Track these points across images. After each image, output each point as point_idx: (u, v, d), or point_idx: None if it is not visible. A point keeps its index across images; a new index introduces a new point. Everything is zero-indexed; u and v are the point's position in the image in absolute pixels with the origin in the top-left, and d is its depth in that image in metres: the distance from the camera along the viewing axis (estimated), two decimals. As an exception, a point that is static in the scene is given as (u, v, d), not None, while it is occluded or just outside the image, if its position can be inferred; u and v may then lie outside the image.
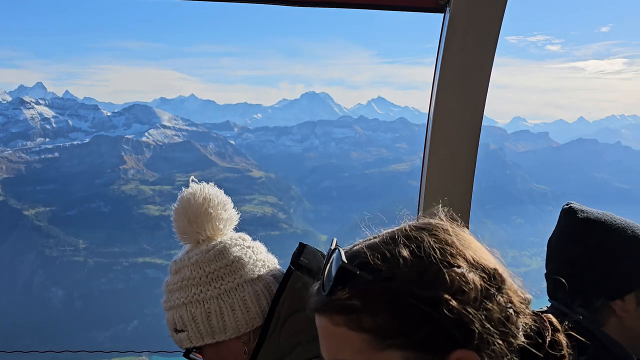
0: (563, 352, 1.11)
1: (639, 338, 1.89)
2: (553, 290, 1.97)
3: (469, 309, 1.01)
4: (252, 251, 1.95)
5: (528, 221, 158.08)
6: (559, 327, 1.14)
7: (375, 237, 1.14)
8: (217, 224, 1.94)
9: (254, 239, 2.03)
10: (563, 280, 1.80)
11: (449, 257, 1.05)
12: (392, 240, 1.08)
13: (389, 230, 1.13)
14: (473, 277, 1.04)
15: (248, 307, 1.85)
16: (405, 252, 1.05)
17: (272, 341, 1.81)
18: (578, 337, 1.15)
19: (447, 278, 1.02)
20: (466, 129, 2.58)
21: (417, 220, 1.15)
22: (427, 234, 1.09)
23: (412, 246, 1.06)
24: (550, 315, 1.15)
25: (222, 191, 1.99)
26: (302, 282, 1.79)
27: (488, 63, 2.54)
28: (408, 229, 1.11)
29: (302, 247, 1.88)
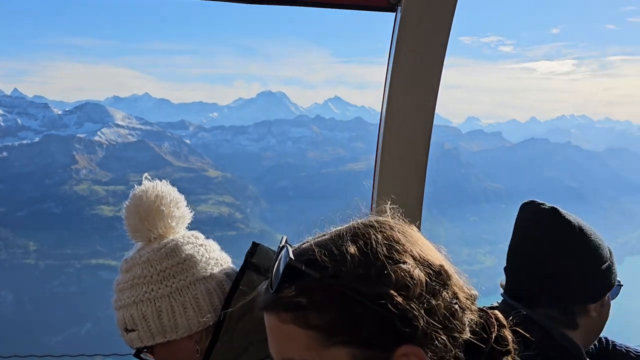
0: (508, 348, 1.12)
1: (597, 332, 1.98)
2: (511, 286, 1.99)
3: (414, 305, 1.02)
4: (205, 249, 1.93)
5: (482, 219, 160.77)
6: (505, 323, 1.15)
7: (324, 235, 1.14)
8: (170, 221, 1.91)
9: (208, 238, 2.01)
10: (544, 281, 1.89)
11: (395, 254, 1.06)
12: (339, 238, 1.09)
13: (338, 227, 1.14)
14: (419, 273, 1.05)
15: (200, 305, 1.83)
16: (352, 249, 1.06)
17: (225, 341, 1.79)
18: (523, 332, 1.17)
19: (393, 274, 1.03)
20: (418, 128, 2.58)
21: (367, 218, 1.16)
22: (374, 231, 1.10)
23: (360, 243, 1.07)
24: (496, 312, 1.16)
25: (175, 189, 1.96)
26: (255, 282, 1.77)
27: (439, 62, 2.54)
28: (356, 226, 1.12)
29: (255, 246, 1.88)
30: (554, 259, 1.93)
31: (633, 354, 2.18)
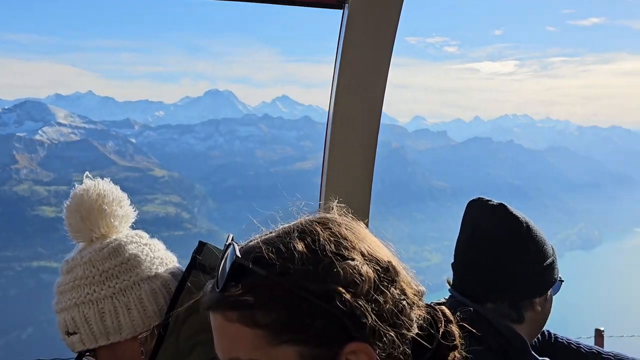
0: (455, 343, 1.13)
1: (541, 326, 2.03)
2: (460, 282, 2.01)
3: (362, 302, 1.01)
4: (149, 248, 1.86)
5: (428, 217, 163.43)
6: (452, 318, 1.16)
7: (271, 232, 1.13)
8: (112, 220, 1.84)
9: (153, 238, 1.95)
10: (490, 275, 1.93)
11: (343, 250, 1.06)
12: (287, 235, 1.08)
13: (286, 225, 1.13)
14: (367, 269, 1.05)
15: (145, 306, 1.76)
16: (299, 246, 1.05)
17: (171, 342, 1.73)
18: (469, 328, 1.18)
19: (341, 271, 1.03)
20: (366, 126, 2.57)
21: (315, 215, 1.15)
22: (322, 227, 1.09)
23: (307, 240, 1.06)
24: (443, 308, 1.17)
25: (117, 187, 1.90)
26: (202, 281, 1.66)
27: (386, 60, 2.52)
28: (304, 222, 1.12)
29: (201, 245, 1.83)
30: (502, 254, 1.95)
31: (574, 346, 2.25)
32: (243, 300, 1.03)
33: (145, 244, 1.87)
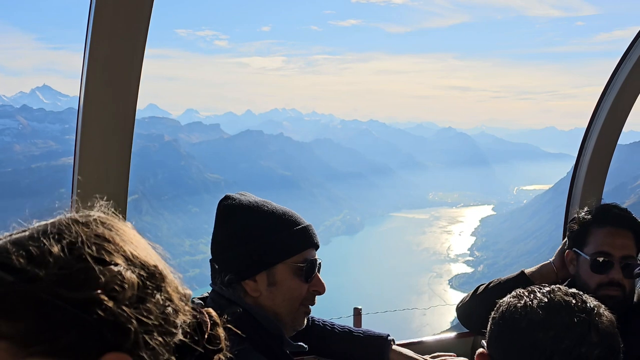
0: (220, 346, 1.10)
1: (275, 316, 1.95)
2: (212, 274, 2.01)
3: (124, 309, 0.93)
4: None
5: (203, 210, 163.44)
6: (219, 320, 1.13)
7: (25, 231, 0.99)
8: None
9: None
10: (215, 264, 1.96)
11: (105, 254, 0.96)
12: (42, 236, 0.95)
13: (42, 223, 1.00)
14: (131, 275, 0.96)
15: None
16: (55, 249, 0.93)
17: None
18: (235, 329, 1.17)
19: (102, 277, 0.93)
20: (119, 120, 2.47)
21: (75, 214, 1.03)
22: (83, 228, 0.98)
23: (64, 242, 0.95)
24: (210, 310, 1.14)
25: None
26: None
27: (140, 51, 2.43)
28: (64, 222, 0.99)
29: None
30: (218, 244, 1.98)
31: (329, 327, 2.35)
32: None
33: None
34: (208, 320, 1.11)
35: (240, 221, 1.95)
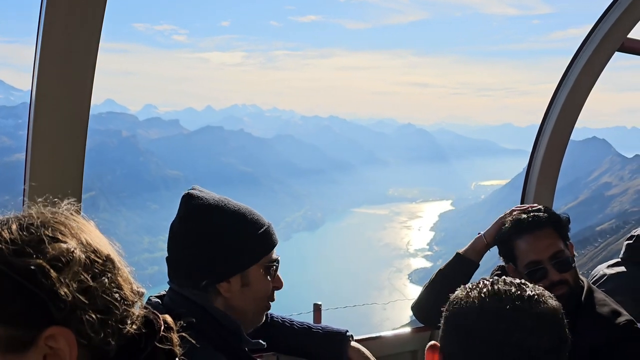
0: (171, 349, 1.11)
1: (243, 315, 1.96)
2: (172, 273, 1.98)
3: (68, 281, 0.97)
4: None
5: (163, 206, 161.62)
6: (174, 326, 1.14)
7: None
8: None
9: None
10: (176, 264, 1.92)
11: (59, 235, 1.02)
12: (5, 219, 1.04)
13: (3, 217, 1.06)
14: (79, 254, 1.00)
15: None
16: (14, 227, 1.00)
17: None
18: (186, 335, 1.17)
19: (50, 249, 0.98)
20: (73, 115, 2.40)
21: (42, 207, 1.09)
22: (45, 214, 1.06)
23: (24, 222, 1.02)
24: (167, 316, 1.14)
25: None
26: None
27: (94, 43, 2.36)
28: (27, 211, 1.07)
29: None
30: (185, 244, 1.93)
31: (288, 323, 2.36)
32: None
33: None
34: (162, 324, 1.11)
35: (211, 222, 1.92)
